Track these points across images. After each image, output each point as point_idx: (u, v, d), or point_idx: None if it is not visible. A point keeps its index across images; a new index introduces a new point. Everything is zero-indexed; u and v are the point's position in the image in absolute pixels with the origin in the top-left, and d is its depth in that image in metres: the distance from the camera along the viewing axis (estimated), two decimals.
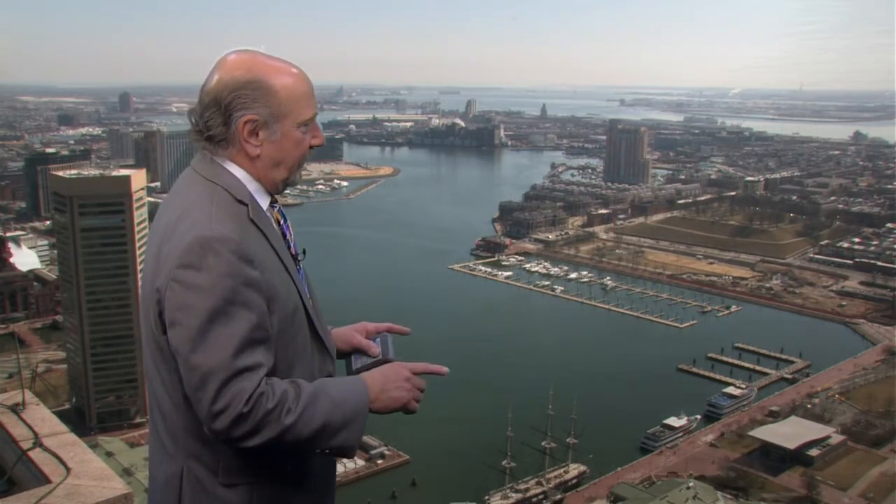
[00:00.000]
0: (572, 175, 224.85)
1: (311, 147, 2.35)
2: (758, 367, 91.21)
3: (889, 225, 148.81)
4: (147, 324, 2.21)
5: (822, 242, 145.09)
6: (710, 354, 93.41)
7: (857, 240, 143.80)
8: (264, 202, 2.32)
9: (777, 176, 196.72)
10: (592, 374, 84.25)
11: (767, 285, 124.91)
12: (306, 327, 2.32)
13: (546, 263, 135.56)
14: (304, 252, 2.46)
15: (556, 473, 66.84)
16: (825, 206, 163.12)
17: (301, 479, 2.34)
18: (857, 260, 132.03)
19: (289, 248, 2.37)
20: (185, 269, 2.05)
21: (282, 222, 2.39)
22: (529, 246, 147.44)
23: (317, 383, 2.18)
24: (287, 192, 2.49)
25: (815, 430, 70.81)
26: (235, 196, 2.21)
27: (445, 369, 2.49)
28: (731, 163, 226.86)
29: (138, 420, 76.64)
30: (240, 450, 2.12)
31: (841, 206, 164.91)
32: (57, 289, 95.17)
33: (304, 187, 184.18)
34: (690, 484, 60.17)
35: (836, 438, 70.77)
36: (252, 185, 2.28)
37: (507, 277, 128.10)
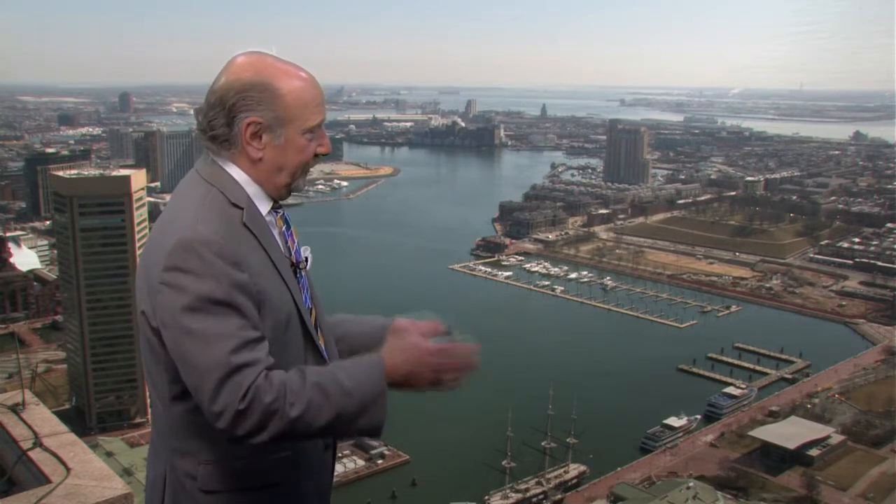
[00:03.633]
0: (572, 175, 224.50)
1: (317, 155, 2.30)
2: (758, 367, 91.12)
3: (889, 225, 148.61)
4: (140, 322, 2.20)
5: (822, 242, 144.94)
6: (710, 354, 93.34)
7: (857, 240, 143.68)
8: (264, 207, 2.27)
9: (777, 176, 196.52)
10: (592, 374, 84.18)
11: (767, 285, 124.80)
12: (301, 336, 2.27)
13: (546, 263, 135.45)
14: (306, 260, 2.39)
15: (556, 473, 66.81)
16: (825, 206, 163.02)
17: (289, 492, 2.27)
18: (857, 260, 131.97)
19: (290, 255, 2.32)
20: (171, 272, 2.02)
21: (284, 229, 2.34)
22: (529, 246, 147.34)
23: (324, 370, 2.10)
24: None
25: (815, 430, 70.79)
26: (230, 199, 2.17)
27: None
28: (731, 163, 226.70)
29: (138, 420, 76.75)
30: (240, 451, 2.08)
31: (841, 206, 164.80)
32: (57, 289, 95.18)
33: (304, 187, 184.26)
34: (690, 484, 60.13)
35: (836, 438, 70.76)
36: (251, 189, 2.23)
37: (507, 277, 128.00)
